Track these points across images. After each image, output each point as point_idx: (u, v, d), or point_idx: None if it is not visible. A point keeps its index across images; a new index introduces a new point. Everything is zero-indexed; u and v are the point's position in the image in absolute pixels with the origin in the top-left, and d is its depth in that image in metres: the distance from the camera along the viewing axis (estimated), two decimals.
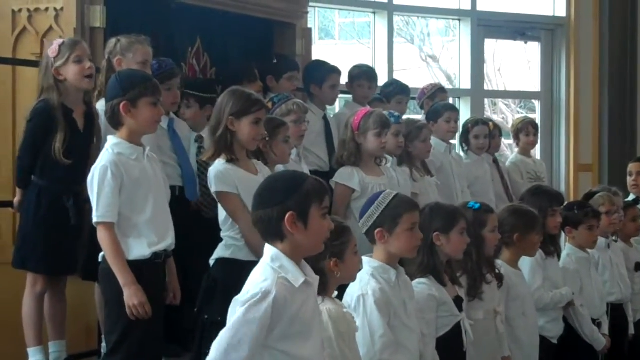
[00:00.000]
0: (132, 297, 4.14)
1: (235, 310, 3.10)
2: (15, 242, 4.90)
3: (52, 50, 4.80)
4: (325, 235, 3.23)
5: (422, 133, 6.27)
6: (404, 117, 6.63)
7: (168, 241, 4.37)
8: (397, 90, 7.28)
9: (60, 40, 4.86)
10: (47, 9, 5.42)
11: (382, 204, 4.19)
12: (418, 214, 4.24)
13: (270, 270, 3.14)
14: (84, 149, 4.83)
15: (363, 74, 7.01)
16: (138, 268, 4.22)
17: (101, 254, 4.25)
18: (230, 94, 4.72)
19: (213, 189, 4.66)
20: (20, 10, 5.49)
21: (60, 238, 4.72)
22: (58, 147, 4.68)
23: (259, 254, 4.20)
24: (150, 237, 4.28)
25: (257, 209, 3.21)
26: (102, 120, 4.78)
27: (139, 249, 4.25)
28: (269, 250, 3.19)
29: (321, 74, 6.68)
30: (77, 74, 4.79)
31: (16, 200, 4.91)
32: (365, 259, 4.14)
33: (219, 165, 4.65)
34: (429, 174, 6.39)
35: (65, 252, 4.72)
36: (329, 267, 3.74)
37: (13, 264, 4.86)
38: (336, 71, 6.74)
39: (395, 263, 4.20)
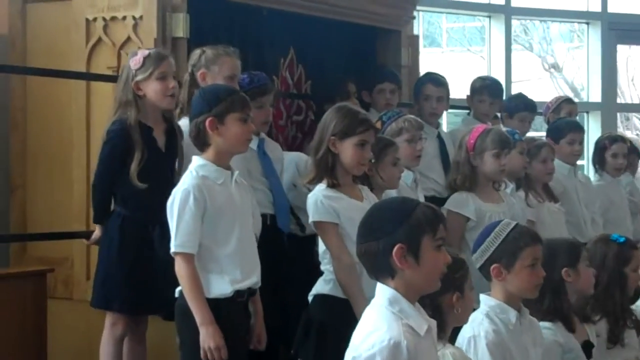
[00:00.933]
0: (208, 338, 4.09)
1: None
2: (94, 279, 4.86)
3: (135, 61, 4.79)
4: (441, 270, 3.16)
5: (541, 152, 6.19)
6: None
7: (253, 279, 4.31)
8: (522, 106, 7.16)
9: (146, 52, 4.84)
10: (124, 18, 5.44)
11: (499, 235, 4.10)
12: (540, 248, 4.14)
13: (390, 316, 3.08)
14: (167, 171, 4.82)
15: (485, 88, 6.94)
16: (217, 307, 4.17)
17: (178, 289, 4.22)
18: (334, 111, 4.67)
19: (310, 217, 4.63)
20: (94, 20, 5.51)
21: (146, 274, 4.68)
22: (133, 168, 4.66)
23: (349, 295, 4.46)
24: (234, 273, 4.22)
25: (361, 242, 3.16)
26: (185, 140, 4.78)
27: (220, 286, 4.20)
28: (385, 291, 3.12)
29: (417, 85, 6.71)
30: (158, 92, 4.77)
31: (95, 235, 4.88)
32: (482, 296, 4.10)
33: (318, 192, 4.60)
34: (553, 199, 6.29)
35: (151, 290, 4.68)
36: (450, 302, 3.75)
37: (93, 304, 4.84)
38: (432, 80, 6.68)
39: (517, 302, 4.12)
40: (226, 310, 4.19)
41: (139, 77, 4.76)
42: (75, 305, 5.43)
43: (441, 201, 5.67)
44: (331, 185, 4.60)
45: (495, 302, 4.07)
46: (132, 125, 4.70)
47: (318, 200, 4.57)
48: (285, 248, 5.44)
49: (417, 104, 6.62)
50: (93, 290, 4.84)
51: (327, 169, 4.61)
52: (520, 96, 7.39)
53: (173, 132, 4.88)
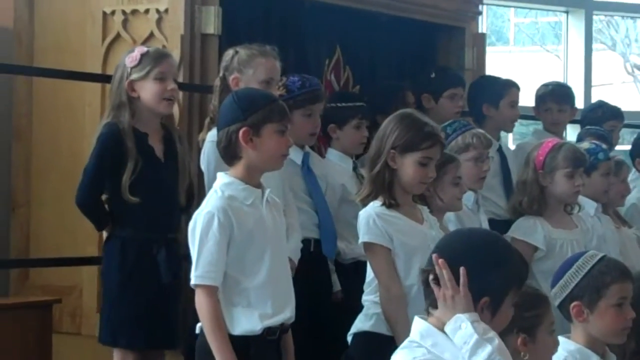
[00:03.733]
0: None
1: None
2: (101, 311, 4.88)
3: (131, 58, 4.83)
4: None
5: (622, 170, 6.22)
6: None
7: (286, 313, 4.27)
8: (609, 115, 7.23)
9: (144, 49, 4.89)
10: (147, 11, 5.52)
11: (581, 269, 4.07)
12: (630, 285, 4.07)
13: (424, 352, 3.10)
14: (169, 183, 4.87)
15: (549, 95, 6.99)
16: (244, 346, 4.13)
17: (199, 325, 4.20)
18: (397, 120, 4.64)
19: (360, 238, 4.63)
20: (113, 13, 5.59)
21: (154, 302, 4.72)
22: (125, 179, 4.69)
23: (394, 331, 4.44)
24: (264, 307, 4.18)
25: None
26: (207, 152, 4.86)
27: (248, 322, 4.17)
28: (418, 324, 3.17)
29: (496, 90, 6.66)
30: (155, 95, 4.82)
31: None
32: (561, 339, 4.01)
33: (371, 209, 4.59)
34: (627, 224, 6.31)
35: (162, 320, 4.72)
36: (514, 345, 3.67)
37: (101, 340, 4.85)
38: (515, 85, 6.73)
39: (601, 347, 4.07)
40: (254, 350, 4.16)
41: (133, 76, 4.81)
42: (84, 341, 5.47)
43: (499, 224, 5.72)
44: (388, 205, 4.59)
45: (575, 346, 4.03)
46: (125, 130, 4.75)
47: (370, 219, 4.56)
48: (330, 278, 5.46)
49: (494, 110, 6.59)
50: (100, 323, 4.87)
51: (384, 186, 4.60)
52: (603, 104, 7.43)
53: (171, 141, 4.91)
